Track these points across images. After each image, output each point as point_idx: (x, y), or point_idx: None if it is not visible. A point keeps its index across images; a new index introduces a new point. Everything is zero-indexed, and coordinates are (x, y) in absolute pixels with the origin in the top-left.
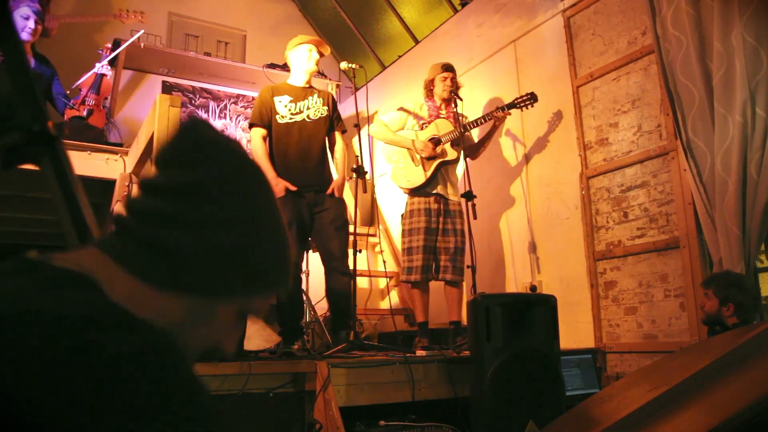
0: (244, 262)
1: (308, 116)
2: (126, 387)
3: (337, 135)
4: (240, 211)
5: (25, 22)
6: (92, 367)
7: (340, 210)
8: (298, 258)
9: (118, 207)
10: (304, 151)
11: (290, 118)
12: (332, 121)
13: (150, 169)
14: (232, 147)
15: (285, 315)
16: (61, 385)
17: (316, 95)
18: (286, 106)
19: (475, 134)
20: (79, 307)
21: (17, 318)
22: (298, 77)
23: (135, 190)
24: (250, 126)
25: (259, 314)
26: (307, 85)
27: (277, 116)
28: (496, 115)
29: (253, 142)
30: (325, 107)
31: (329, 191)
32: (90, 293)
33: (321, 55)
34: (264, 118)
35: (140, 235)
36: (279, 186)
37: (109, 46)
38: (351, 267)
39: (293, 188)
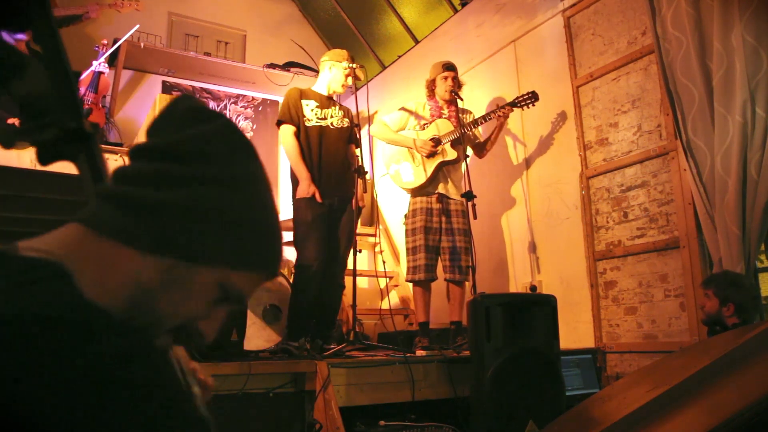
0: (227, 226)
1: (332, 123)
2: (80, 389)
3: (354, 149)
4: (228, 173)
5: None
6: (44, 372)
7: (354, 223)
8: (322, 255)
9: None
10: (329, 156)
11: (316, 122)
12: (352, 134)
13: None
14: (223, 116)
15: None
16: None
17: (338, 107)
18: (312, 110)
19: (480, 132)
20: (35, 308)
21: None
22: (324, 87)
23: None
24: (279, 123)
25: (241, 296)
26: (331, 96)
27: (304, 119)
28: (500, 113)
29: (286, 139)
30: (346, 119)
31: (354, 207)
32: (50, 289)
33: (357, 78)
34: (294, 117)
35: (121, 197)
36: (310, 189)
37: (107, 42)
38: (351, 267)
39: (320, 200)
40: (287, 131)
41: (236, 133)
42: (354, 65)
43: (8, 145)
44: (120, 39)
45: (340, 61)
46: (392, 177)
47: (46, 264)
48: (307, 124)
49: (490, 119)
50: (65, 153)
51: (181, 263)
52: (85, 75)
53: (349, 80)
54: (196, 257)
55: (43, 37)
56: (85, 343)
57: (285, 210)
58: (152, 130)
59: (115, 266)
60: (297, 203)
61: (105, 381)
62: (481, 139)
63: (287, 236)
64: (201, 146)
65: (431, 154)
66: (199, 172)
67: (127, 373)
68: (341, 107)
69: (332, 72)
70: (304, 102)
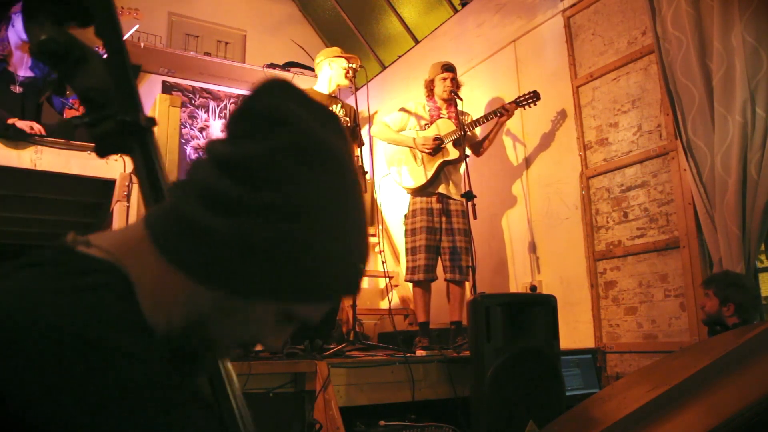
0: (286, 261)
1: None
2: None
3: (356, 148)
4: (299, 201)
5: None
6: (78, 375)
7: None
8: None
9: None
10: None
11: None
12: (353, 132)
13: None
14: (302, 121)
15: None
16: (48, 392)
17: (340, 105)
18: None
19: (478, 131)
20: (82, 315)
21: (13, 322)
22: (325, 86)
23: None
24: None
25: (311, 321)
26: (333, 95)
27: None
28: (506, 107)
29: None
30: (347, 118)
31: None
32: (103, 296)
33: (356, 69)
34: None
35: (182, 213)
36: None
37: None
38: None
39: None
40: None
41: (315, 148)
42: (353, 64)
43: (70, 137)
44: None
45: (338, 56)
46: (394, 177)
47: (105, 265)
48: None
49: (492, 118)
50: (121, 145)
51: (234, 297)
52: None
53: (350, 72)
54: (252, 293)
55: (105, 31)
56: (132, 368)
57: None
58: (231, 128)
59: (171, 288)
60: None
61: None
62: (479, 138)
63: None
64: (268, 166)
65: (433, 151)
66: (260, 201)
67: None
68: (344, 105)
69: (333, 68)
70: None
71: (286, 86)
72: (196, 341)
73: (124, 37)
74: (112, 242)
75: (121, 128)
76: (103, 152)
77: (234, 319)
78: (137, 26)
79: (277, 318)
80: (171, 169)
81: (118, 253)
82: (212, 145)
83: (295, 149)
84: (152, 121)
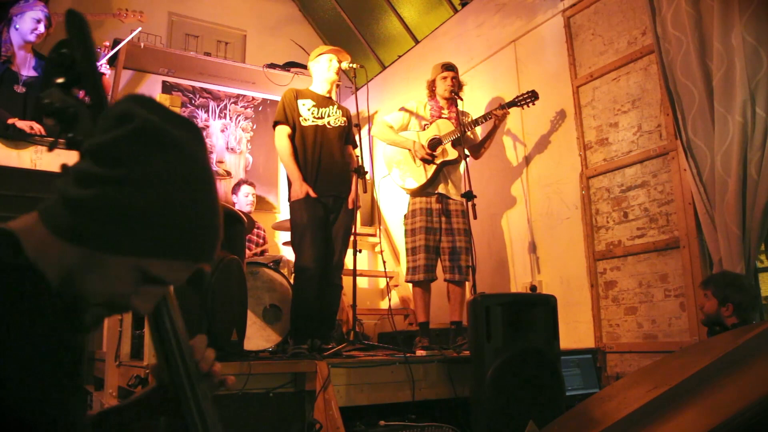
0: (134, 221)
1: (329, 123)
2: None
3: (352, 149)
4: (137, 173)
5: (36, 25)
6: None
7: (350, 222)
8: (320, 257)
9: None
10: (325, 155)
11: (313, 122)
12: (349, 134)
13: None
14: (145, 119)
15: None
16: None
17: (336, 106)
18: (309, 109)
19: (479, 133)
20: None
21: None
22: (320, 86)
23: None
24: (275, 125)
25: (167, 281)
26: (328, 95)
27: (301, 118)
28: (496, 113)
29: (279, 140)
30: (344, 118)
31: (350, 206)
32: (3, 246)
33: (341, 64)
34: (289, 118)
35: (60, 189)
36: (303, 189)
37: (108, 44)
38: (351, 267)
39: (314, 195)
40: (281, 132)
41: (154, 135)
42: (330, 47)
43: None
44: (120, 39)
45: (319, 55)
46: (393, 178)
47: (7, 233)
48: (304, 123)
49: (490, 118)
50: None
51: (94, 252)
52: None
53: (335, 64)
54: (105, 248)
55: (91, 91)
56: (27, 287)
57: (285, 211)
58: (98, 130)
59: (49, 248)
60: (292, 206)
61: (30, 321)
62: (479, 140)
63: (285, 237)
64: (114, 149)
65: (426, 161)
66: (109, 174)
67: (46, 325)
68: (340, 107)
69: (317, 67)
70: (300, 102)
71: (141, 97)
72: (70, 292)
73: (126, 41)
74: (16, 220)
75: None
76: None
77: (95, 274)
78: (140, 29)
79: (134, 274)
80: None
81: (15, 225)
82: (87, 141)
83: (138, 136)
84: None
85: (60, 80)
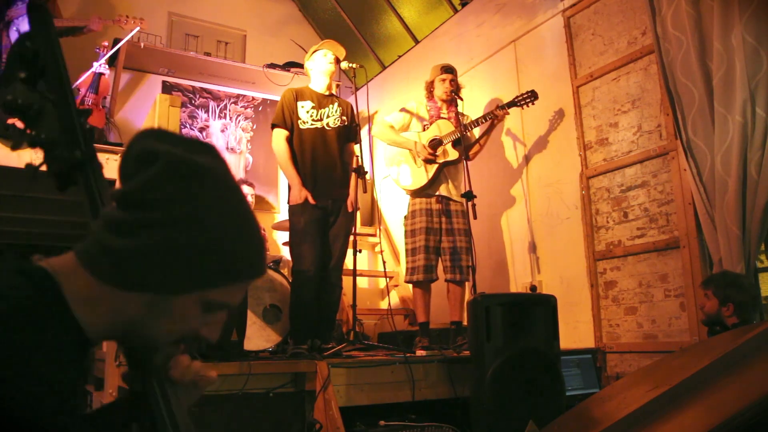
0: (187, 258)
1: (327, 124)
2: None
3: (353, 146)
4: (176, 213)
5: None
6: None
7: (350, 225)
8: (318, 259)
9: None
10: (324, 158)
11: (311, 125)
12: (350, 131)
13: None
14: (166, 154)
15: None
16: None
17: (336, 104)
18: (308, 112)
19: (477, 134)
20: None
21: None
22: (318, 82)
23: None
24: (273, 127)
25: (229, 305)
26: (329, 92)
27: (299, 121)
28: (496, 113)
29: (277, 144)
30: (344, 117)
31: (350, 209)
32: (36, 285)
33: (337, 57)
34: (287, 121)
35: (100, 240)
36: (302, 194)
37: (107, 44)
38: (351, 267)
39: (313, 202)
40: (279, 135)
41: (183, 168)
42: (322, 42)
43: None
44: (120, 40)
45: (314, 52)
46: (394, 178)
47: (45, 272)
48: (302, 126)
49: (490, 118)
50: (69, 180)
51: (158, 296)
52: (86, 76)
53: (329, 57)
54: (168, 290)
55: (55, 87)
56: (61, 334)
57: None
58: (121, 174)
59: (104, 299)
60: (291, 209)
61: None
62: (473, 140)
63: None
64: (148, 193)
65: (429, 161)
66: (150, 218)
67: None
68: (341, 104)
69: (313, 64)
70: (299, 104)
71: (156, 132)
72: (137, 341)
73: (124, 40)
74: (53, 260)
75: (66, 166)
76: (62, 188)
77: (164, 317)
78: (138, 28)
79: (199, 308)
80: None
81: (55, 266)
82: (114, 189)
83: (169, 174)
84: (90, 152)
85: (22, 75)
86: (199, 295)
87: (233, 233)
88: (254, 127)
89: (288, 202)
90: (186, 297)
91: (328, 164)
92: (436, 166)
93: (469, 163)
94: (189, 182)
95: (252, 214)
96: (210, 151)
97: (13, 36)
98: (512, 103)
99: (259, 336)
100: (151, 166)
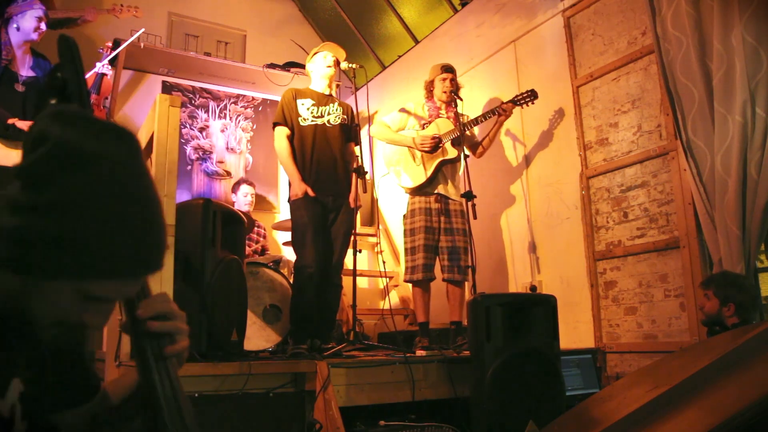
0: (63, 247)
1: (329, 121)
2: None
3: (353, 147)
4: (57, 198)
5: (38, 23)
6: None
7: (351, 222)
8: (320, 256)
9: None
10: (324, 155)
11: (312, 121)
12: (350, 131)
13: None
14: (58, 136)
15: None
16: None
17: (336, 103)
18: (308, 109)
19: (477, 133)
20: None
21: None
22: (318, 83)
23: None
24: (274, 125)
25: (111, 299)
26: (328, 93)
27: (300, 118)
28: (504, 107)
29: (278, 141)
30: (344, 116)
31: (352, 205)
32: None
33: (337, 59)
34: (287, 119)
35: None
36: (301, 188)
37: (110, 44)
38: (351, 267)
39: (312, 194)
40: (280, 133)
41: (68, 154)
42: (323, 44)
43: None
44: (121, 39)
45: (314, 54)
46: (392, 177)
47: None
48: (302, 123)
49: (490, 117)
50: None
51: (29, 279)
52: (88, 76)
53: (329, 59)
54: (39, 275)
55: (71, 86)
56: None
57: (285, 211)
58: (23, 153)
59: None
60: (292, 205)
61: None
62: (477, 139)
63: (284, 237)
64: (32, 174)
65: (432, 149)
66: (31, 200)
67: None
68: (341, 104)
69: (314, 66)
70: (299, 101)
71: (59, 112)
72: (15, 317)
73: (128, 42)
74: None
75: None
76: None
77: (38, 299)
78: (143, 30)
79: (75, 296)
80: (171, 169)
81: None
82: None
83: (51, 158)
84: None
85: (53, 101)
86: (73, 285)
87: (111, 227)
88: (254, 127)
89: (288, 199)
90: (58, 284)
91: (328, 160)
92: (434, 163)
93: (468, 162)
94: (69, 168)
95: (146, 212)
96: (116, 135)
97: (13, 32)
98: (512, 102)
99: (259, 336)
100: (39, 147)
